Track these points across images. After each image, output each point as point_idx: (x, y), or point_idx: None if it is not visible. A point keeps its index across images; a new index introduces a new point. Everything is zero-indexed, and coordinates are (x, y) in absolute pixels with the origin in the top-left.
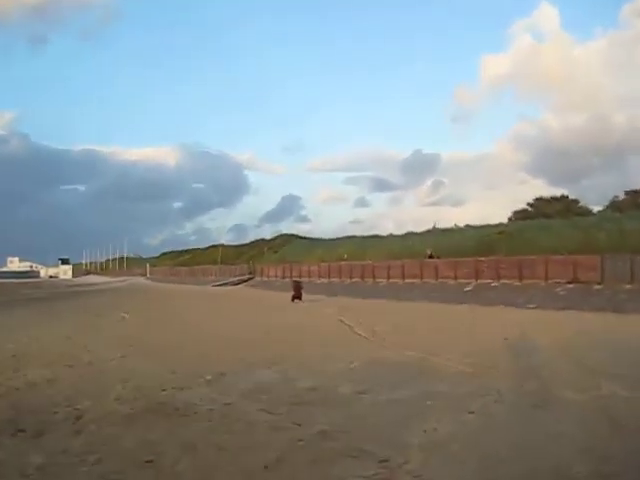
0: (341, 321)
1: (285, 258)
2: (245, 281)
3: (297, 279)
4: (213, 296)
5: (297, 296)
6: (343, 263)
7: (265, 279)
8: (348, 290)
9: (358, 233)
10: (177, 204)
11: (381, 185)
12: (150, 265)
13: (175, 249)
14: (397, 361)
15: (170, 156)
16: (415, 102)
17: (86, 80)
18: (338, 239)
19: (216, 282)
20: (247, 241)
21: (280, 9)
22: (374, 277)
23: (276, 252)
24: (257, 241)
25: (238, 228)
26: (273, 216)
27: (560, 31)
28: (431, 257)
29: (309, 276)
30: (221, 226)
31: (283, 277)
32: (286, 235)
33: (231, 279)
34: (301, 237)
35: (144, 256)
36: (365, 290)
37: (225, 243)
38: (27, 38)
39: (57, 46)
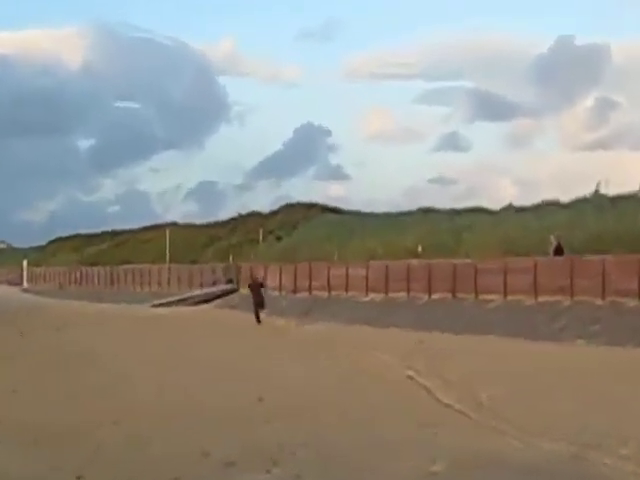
0: (410, 377)
1: (298, 251)
2: (219, 296)
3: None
4: (153, 328)
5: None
6: (414, 262)
7: None
8: (424, 315)
9: (443, 204)
10: (85, 142)
11: (491, 108)
12: (30, 263)
13: (80, 232)
14: (527, 462)
15: (74, 46)
16: None
17: None
18: (402, 215)
19: (161, 299)
20: (223, 217)
21: None
22: (477, 291)
23: (279, 239)
24: (242, 218)
25: (205, 192)
26: (275, 168)
27: None
28: (558, 251)
29: (346, 288)
30: (172, 187)
31: (294, 290)
32: (300, 206)
33: (191, 293)
34: (330, 209)
35: (18, 245)
36: (459, 315)
37: (180, 221)
38: None
39: None
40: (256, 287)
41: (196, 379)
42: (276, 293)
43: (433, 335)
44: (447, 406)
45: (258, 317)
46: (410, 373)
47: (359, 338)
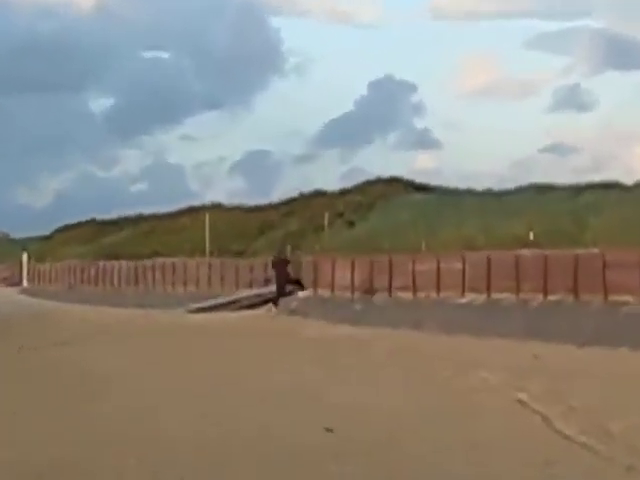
0: (522, 403)
1: (374, 240)
2: (275, 299)
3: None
4: (189, 342)
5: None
6: (524, 253)
7: (327, 293)
8: (538, 322)
9: (561, 179)
10: (102, 103)
11: (623, 54)
12: (32, 257)
13: (96, 217)
14: None
15: None
16: None
17: None
18: (508, 193)
19: (200, 303)
20: (279, 198)
21: None
22: (606, 290)
23: (351, 225)
24: (303, 198)
25: (255, 165)
26: (345, 134)
27: None
28: None
29: (437, 288)
30: (212, 160)
31: (370, 290)
32: (378, 182)
33: (239, 294)
34: (416, 186)
35: (16, 235)
36: (583, 322)
37: (223, 203)
38: None
39: None
40: (281, 265)
41: (245, 409)
42: (347, 294)
43: (550, 348)
44: (568, 439)
45: (276, 301)
46: (522, 397)
47: (454, 352)
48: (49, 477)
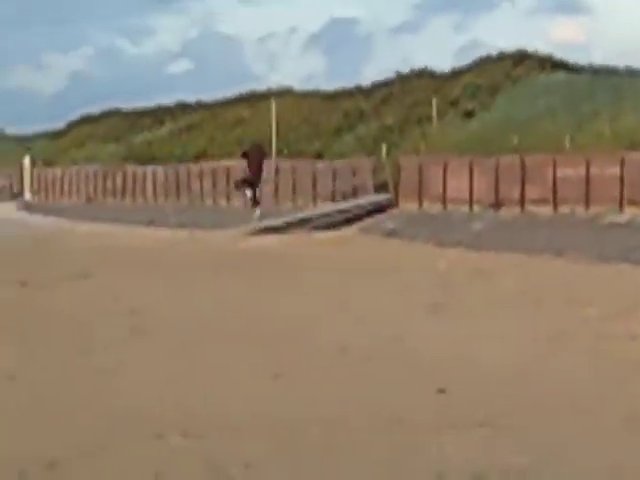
0: None
1: (500, 136)
2: (365, 214)
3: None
4: (251, 276)
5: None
6: None
7: (437, 207)
8: None
9: None
10: None
11: None
12: (37, 159)
13: (122, 107)
14: None
15: None
16: None
17: None
18: None
19: (264, 221)
20: (370, 80)
21: None
22: None
23: (469, 115)
24: (403, 80)
25: (338, 37)
26: None
27: None
28: None
29: (586, 200)
30: (281, 30)
31: (496, 203)
32: (504, 59)
33: (317, 210)
34: (557, 64)
35: (16, 131)
36: None
37: (295, 87)
38: None
39: None
40: (255, 157)
41: (330, 372)
42: (463, 209)
43: None
44: None
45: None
46: None
47: (610, 289)
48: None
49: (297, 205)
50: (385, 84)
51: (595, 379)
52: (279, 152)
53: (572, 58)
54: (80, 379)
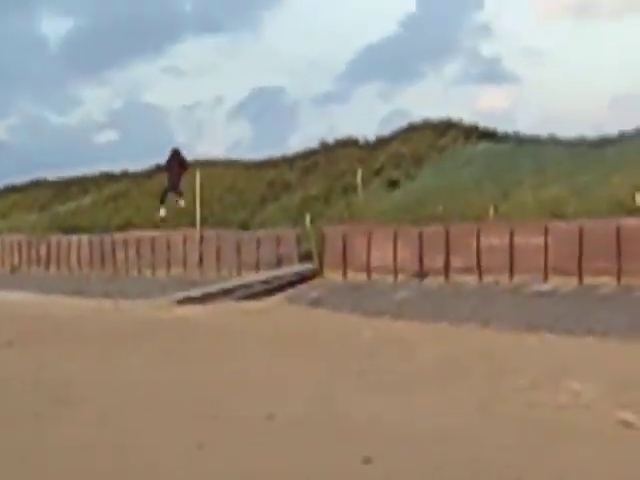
0: (627, 424)
1: (425, 205)
2: (289, 284)
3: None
4: (175, 346)
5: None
6: (630, 223)
7: (361, 277)
8: None
9: None
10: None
11: None
12: None
13: (48, 177)
14: None
15: None
16: None
17: None
18: (608, 143)
19: (190, 291)
20: (295, 150)
21: None
22: None
23: (394, 185)
24: (328, 150)
25: (264, 106)
26: (385, 64)
27: None
28: None
29: (510, 269)
30: (206, 100)
31: (420, 272)
32: (430, 128)
33: (242, 279)
34: (483, 134)
35: None
36: None
37: (220, 157)
38: None
39: None
40: (175, 162)
41: (252, 440)
42: (388, 279)
43: None
44: None
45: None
46: (626, 417)
47: (534, 357)
48: None
49: (221, 275)
50: (310, 153)
51: (523, 448)
52: (204, 221)
53: (498, 127)
54: (3, 450)
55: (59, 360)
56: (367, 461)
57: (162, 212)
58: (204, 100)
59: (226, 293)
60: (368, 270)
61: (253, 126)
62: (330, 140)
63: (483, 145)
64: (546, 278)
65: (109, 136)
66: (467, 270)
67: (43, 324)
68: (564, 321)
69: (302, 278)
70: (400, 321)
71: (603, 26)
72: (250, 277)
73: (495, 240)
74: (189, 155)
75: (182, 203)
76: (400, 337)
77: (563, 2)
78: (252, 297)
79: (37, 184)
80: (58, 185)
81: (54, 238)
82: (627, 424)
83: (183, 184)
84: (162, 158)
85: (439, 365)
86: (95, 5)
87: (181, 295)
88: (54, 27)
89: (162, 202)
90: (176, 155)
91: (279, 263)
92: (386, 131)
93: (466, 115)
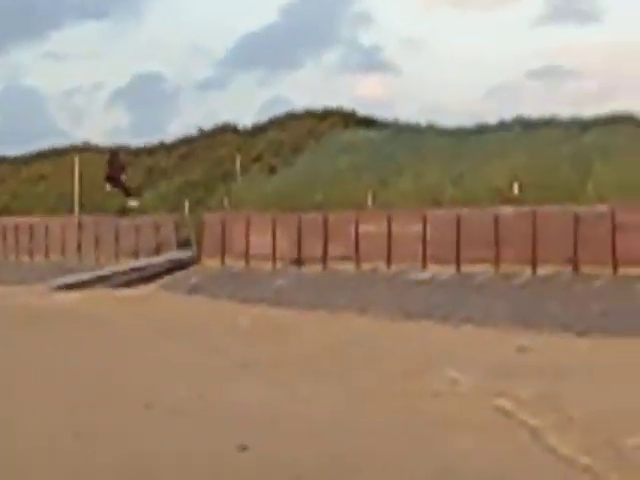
0: (503, 411)
1: (304, 192)
2: (166, 271)
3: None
4: (52, 332)
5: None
6: (506, 212)
7: (239, 264)
8: (525, 304)
9: (557, 111)
10: None
11: None
12: None
13: None
14: None
15: None
16: None
17: None
18: (485, 131)
19: (67, 277)
20: (174, 136)
21: None
22: (615, 262)
23: (272, 171)
24: (207, 137)
25: (144, 93)
26: (265, 52)
27: None
28: None
29: (388, 257)
30: (86, 85)
31: (298, 260)
32: (309, 115)
33: (120, 266)
34: (361, 121)
35: None
36: (585, 304)
37: (99, 143)
38: None
39: None
40: (114, 171)
41: (133, 427)
42: (266, 266)
43: (541, 339)
44: (566, 460)
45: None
46: (503, 404)
47: (412, 345)
48: None
49: (100, 262)
50: (189, 140)
51: (400, 436)
52: (84, 209)
53: (376, 114)
54: None
55: None
56: (243, 448)
57: (133, 202)
58: (84, 86)
59: (102, 280)
60: (247, 257)
61: (133, 112)
62: (209, 127)
63: (362, 133)
64: (424, 266)
65: None
66: (345, 258)
67: None
68: (442, 309)
69: (180, 265)
70: (278, 308)
71: (479, 17)
72: (127, 264)
73: (373, 228)
74: (67, 141)
75: (134, 203)
76: (277, 325)
77: None
78: (128, 284)
79: None
80: None
81: None
82: (504, 412)
83: (126, 182)
84: (41, 144)
85: (316, 353)
86: None
87: (58, 282)
88: None
89: (128, 195)
90: (115, 157)
91: (158, 250)
92: (265, 118)
93: (345, 103)
